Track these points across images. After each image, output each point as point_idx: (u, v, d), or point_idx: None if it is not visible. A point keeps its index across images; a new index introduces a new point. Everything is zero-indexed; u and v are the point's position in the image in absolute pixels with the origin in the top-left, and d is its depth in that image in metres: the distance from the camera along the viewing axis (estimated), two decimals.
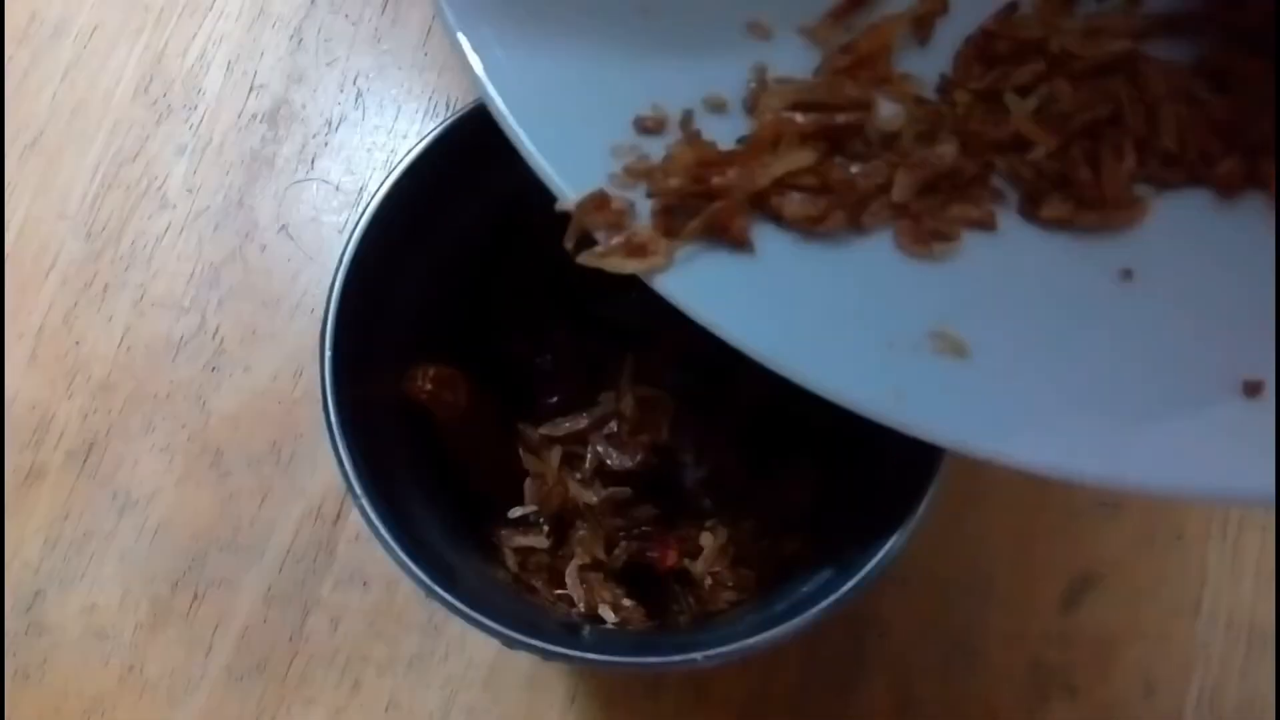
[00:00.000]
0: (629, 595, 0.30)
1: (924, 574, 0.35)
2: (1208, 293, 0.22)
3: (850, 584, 0.25)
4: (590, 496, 0.30)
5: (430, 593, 0.25)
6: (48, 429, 0.37)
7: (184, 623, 0.35)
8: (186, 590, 0.36)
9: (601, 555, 0.30)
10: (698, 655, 0.24)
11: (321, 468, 0.36)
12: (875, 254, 0.23)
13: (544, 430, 0.31)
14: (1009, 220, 0.23)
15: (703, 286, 0.22)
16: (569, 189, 0.23)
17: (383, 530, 0.25)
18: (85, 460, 0.37)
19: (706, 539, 0.30)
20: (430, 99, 0.41)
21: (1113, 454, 0.20)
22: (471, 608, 0.25)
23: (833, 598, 0.25)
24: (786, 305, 0.22)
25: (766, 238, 0.23)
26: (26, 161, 0.40)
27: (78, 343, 0.38)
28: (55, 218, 0.40)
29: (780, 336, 0.22)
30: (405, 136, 0.40)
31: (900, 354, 0.21)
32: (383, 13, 0.42)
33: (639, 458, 0.30)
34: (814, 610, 0.25)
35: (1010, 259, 0.22)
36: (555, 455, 0.30)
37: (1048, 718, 0.34)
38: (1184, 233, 0.22)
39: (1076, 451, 0.20)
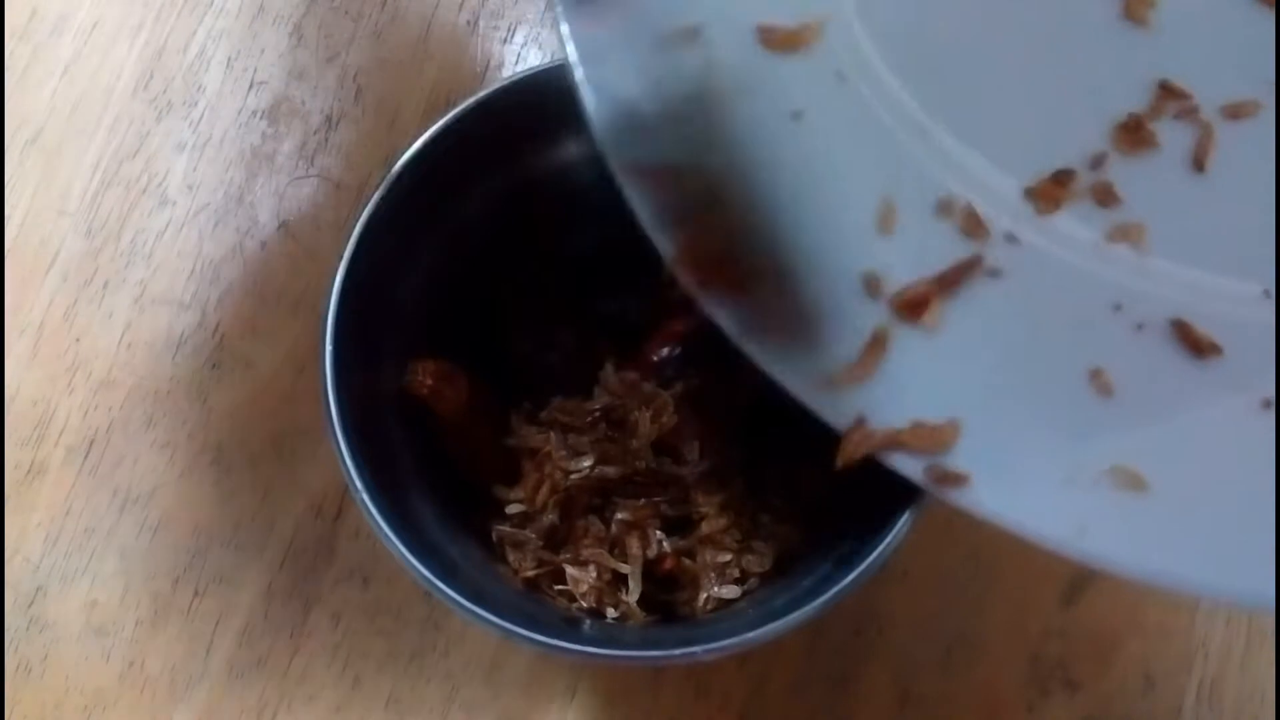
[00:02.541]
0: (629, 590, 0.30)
1: (924, 568, 0.35)
2: None
3: (850, 577, 0.25)
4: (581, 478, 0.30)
5: (431, 587, 0.25)
6: (48, 425, 0.37)
7: (185, 619, 0.35)
8: (187, 586, 0.36)
9: (603, 550, 0.30)
10: (698, 648, 0.25)
11: (322, 464, 0.36)
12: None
13: (543, 415, 0.31)
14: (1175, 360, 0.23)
15: None
16: None
17: (384, 526, 0.26)
18: (86, 456, 0.37)
19: (706, 534, 0.30)
20: (429, 95, 0.41)
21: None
22: (472, 602, 0.25)
23: (833, 591, 0.25)
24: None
25: None
26: (26, 158, 0.40)
27: (78, 339, 0.38)
28: (55, 214, 0.40)
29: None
30: (405, 133, 0.40)
31: (1081, 489, 0.22)
32: (383, 9, 0.42)
33: (636, 449, 0.30)
34: (814, 604, 0.25)
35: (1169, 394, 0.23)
36: (552, 441, 0.30)
37: (1048, 711, 0.34)
38: None
39: (1243, 576, 0.21)
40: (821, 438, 0.32)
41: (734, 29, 0.25)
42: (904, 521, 0.25)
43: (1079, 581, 0.35)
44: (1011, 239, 0.24)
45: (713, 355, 0.32)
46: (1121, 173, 0.23)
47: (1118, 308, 0.23)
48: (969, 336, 0.24)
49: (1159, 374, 0.23)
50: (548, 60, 0.30)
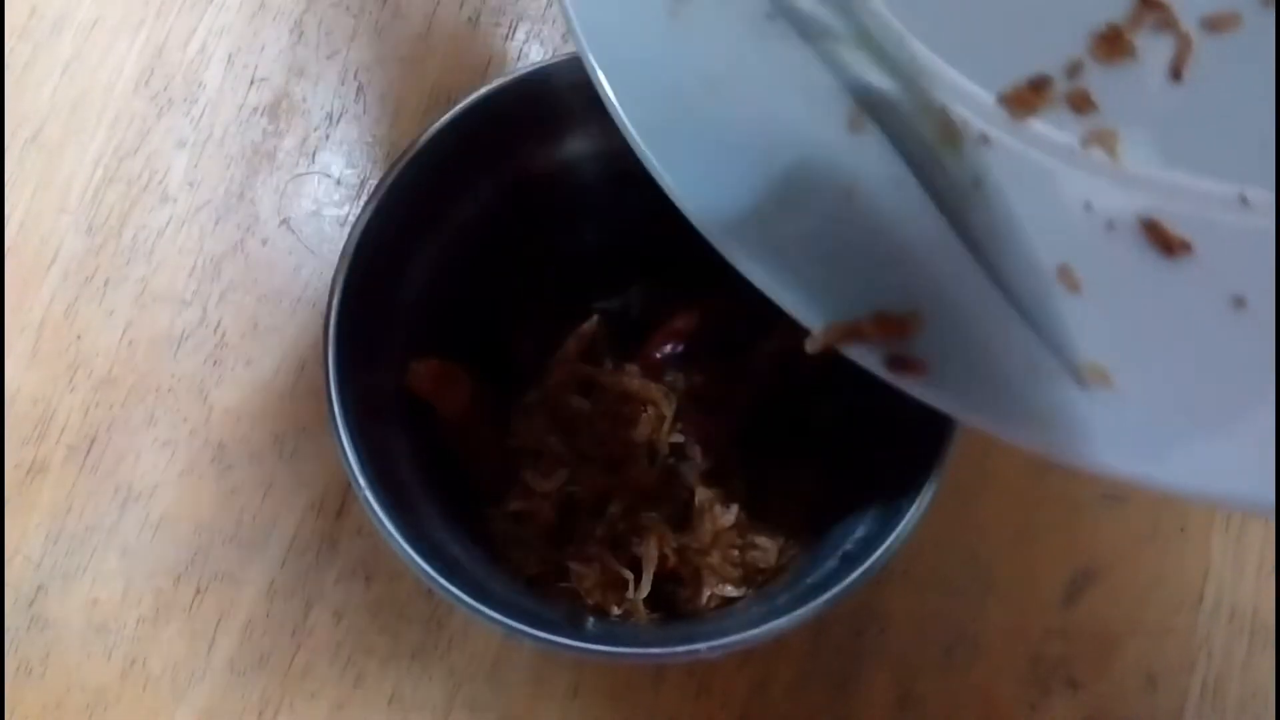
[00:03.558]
0: (632, 588, 0.30)
1: (925, 567, 0.35)
2: None
3: (852, 577, 0.25)
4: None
5: (433, 585, 0.25)
6: (49, 423, 0.37)
7: (186, 617, 0.35)
8: (189, 584, 0.36)
9: (605, 548, 0.30)
10: (700, 646, 0.25)
11: (324, 461, 0.36)
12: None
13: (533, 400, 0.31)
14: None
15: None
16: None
17: (386, 523, 0.25)
18: (87, 454, 0.37)
19: (708, 532, 0.30)
20: (431, 92, 0.41)
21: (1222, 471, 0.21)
22: (474, 599, 0.25)
23: (835, 590, 0.25)
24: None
25: None
26: (27, 156, 0.40)
27: (79, 337, 0.38)
28: (56, 212, 0.40)
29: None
30: (407, 130, 0.40)
31: (1045, 383, 0.22)
32: (384, 5, 0.42)
33: (637, 447, 0.30)
34: (816, 602, 0.25)
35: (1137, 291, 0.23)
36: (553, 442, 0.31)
37: (1049, 711, 0.34)
38: None
39: (1211, 474, 0.21)
40: (822, 438, 0.32)
41: None
42: (906, 521, 0.25)
43: (1080, 581, 0.35)
44: (984, 140, 0.24)
45: (714, 353, 0.32)
46: (1098, 81, 0.24)
47: (1088, 207, 0.23)
48: None
49: (1128, 271, 0.23)
50: (549, 56, 0.30)
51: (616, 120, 0.25)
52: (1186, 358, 0.22)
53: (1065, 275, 0.23)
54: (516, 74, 0.30)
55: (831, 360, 0.23)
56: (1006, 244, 0.23)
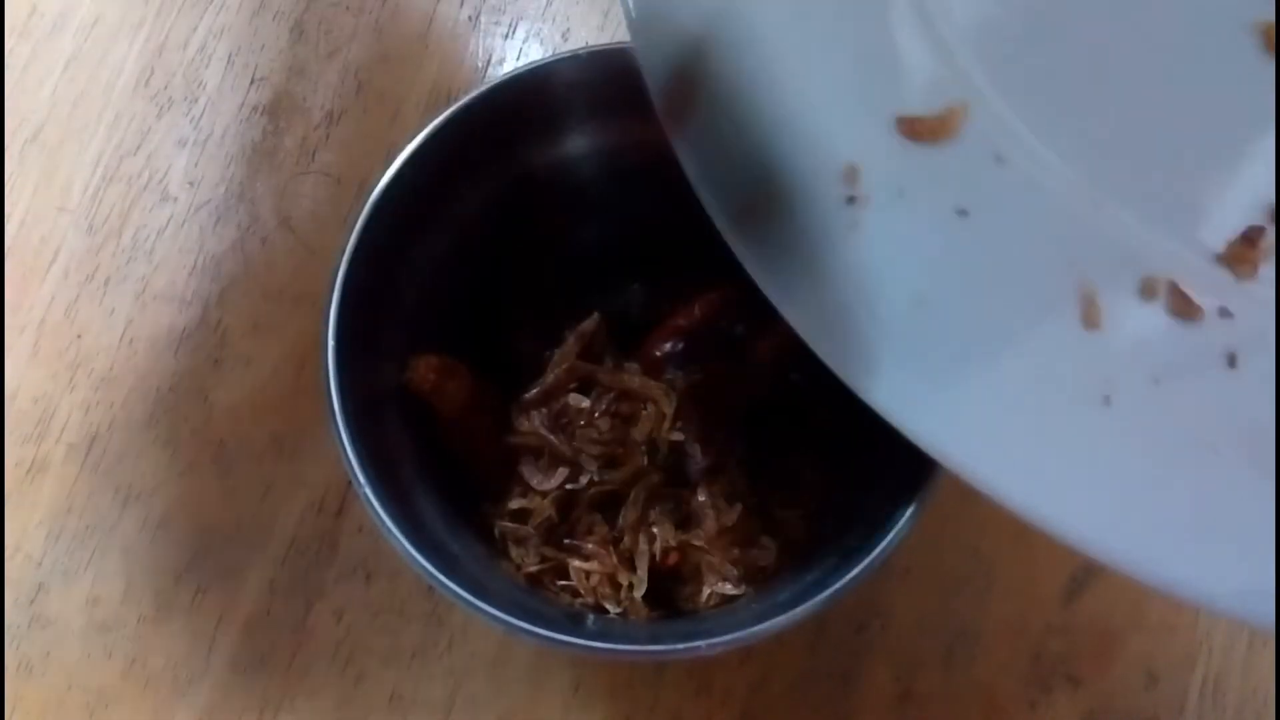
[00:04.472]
0: (632, 586, 0.30)
1: (926, 564, 0.35)
2: None
3: (852, 573, 0.25)
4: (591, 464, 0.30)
5: (434, 582, 0.25)
6: (50, 422, 0.37)
7: (187, 615, 0.35)
8: (189, 583, 0.36)
9: (605, 546, 0.30)
10: (701, 643, 0.24)
11: (324, 460, 0.36)
12: None
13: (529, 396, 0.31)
14: None
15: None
16: None
17: (386, 521, 0.25)
18: (88, 453, 0.37)
19: (709, 529, 0.30)
20: (431, 91, 0.41)
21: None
22: (475, 597, 0.25)
23: (835, 587, 0.25)
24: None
25: None
26: (27, 155, 0.40)
27: (80, 336, 0.38)
28: (56, 211, 0.40)
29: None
30: (406, 129, 0.40)
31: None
32: (384, 5, 0.42)
33: (637, 444, 0.30)
34: (816, 599, 0.25)
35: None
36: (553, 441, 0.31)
37: (1050, 708, 0.34)
38: None
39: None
40: (822, 435, 0.32)
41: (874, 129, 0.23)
42: (907, 518, 0.25)
43: (1081, 578, 0.35)
44: (1225, 314, 0.22)
45: (715, 351, 0.32)
46: None
47: None
48: None
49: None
50: (549, 55, 0.30)
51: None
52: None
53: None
54: (516, 73, 0.30)
55: None
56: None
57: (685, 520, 0.30)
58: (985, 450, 0.22)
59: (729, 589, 0.29)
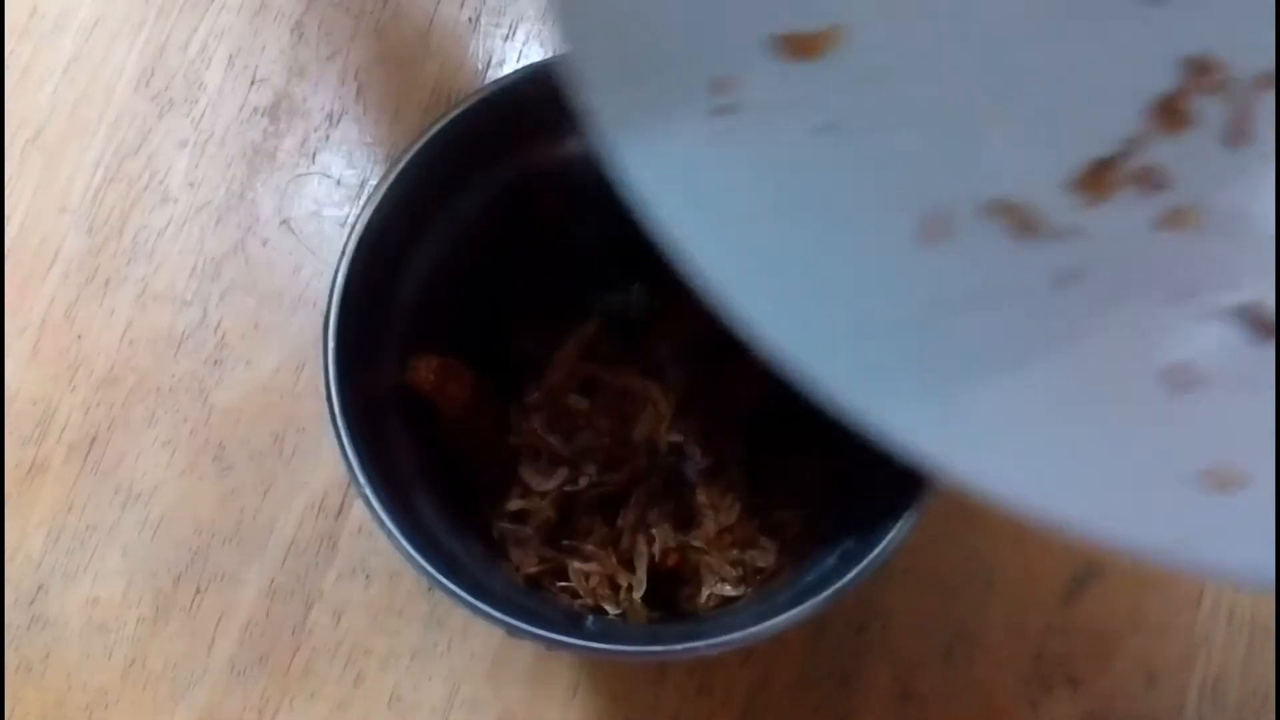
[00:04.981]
0: (631, 587, 0.30)
1: (926, 565, 0.35)
2: None
3: (852, 574, 0.25)
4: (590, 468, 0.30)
5: (434, 583, 0.25)
6: (50, 423, 0.37)
7: (186, 616, 0.35)
8: (189, 584, 0.36)
9: (605, 547, 0.30)
10: (700, 644, 0.25)
11: (324, 461, 0.36)
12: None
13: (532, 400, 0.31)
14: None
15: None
16: None
17: (386, 521, 0.25)
18: (88, 454, 0.37)
19: (708, 530, 0.30)
20: (431, 92, 0.41)
21: None
22: (475, 597, 0.25)
23: (835, 587, 0.25)
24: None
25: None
26: (28, 156, 0.40)
27: (80, 336, 0.38)
28: (57, 212, 0.40)
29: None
30: (407, 130, 0.40)
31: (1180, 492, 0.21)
32: (384, 6, 0.42)
33: (637, 445, 0.30)
34: (816, 600, 0.25)
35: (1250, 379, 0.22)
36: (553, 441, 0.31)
37: (1050, 708, 0.34)
38: None
39: None
40: (822, 435, 0.32)
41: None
42: (907, 519, 0.25)
43: (1080, 579, 0.35)
44: (1066, 236, 0.23)
45: (715, 352, 0.32)
46: (1162, 155, 0.23)
47: (1193, 293, 0.22)
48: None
49: (1239, 363, 0.22)
50: (549, 56, 0.30)
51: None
52: None
53: (1173, 375, 0.22)
54: (516, 74, 0.30)
55: None
56: (1107, 345, 0.22)
57: (685, 521, 0.30)
58: (805, 337, 0.23)
59: (728, 590, 0.29)
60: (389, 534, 0.25)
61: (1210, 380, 0.22)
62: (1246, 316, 0.22)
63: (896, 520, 0.25)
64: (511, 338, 0.33)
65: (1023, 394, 0.22)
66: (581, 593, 0.30)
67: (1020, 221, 0.23)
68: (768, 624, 0.25)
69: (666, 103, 0.24)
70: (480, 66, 0.41)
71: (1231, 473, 0.21)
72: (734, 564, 0.30)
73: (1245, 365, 0.22)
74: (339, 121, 0.41)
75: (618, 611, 0.29)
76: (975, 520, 0.35)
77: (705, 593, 0.29)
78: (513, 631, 0.25)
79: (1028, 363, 0.22)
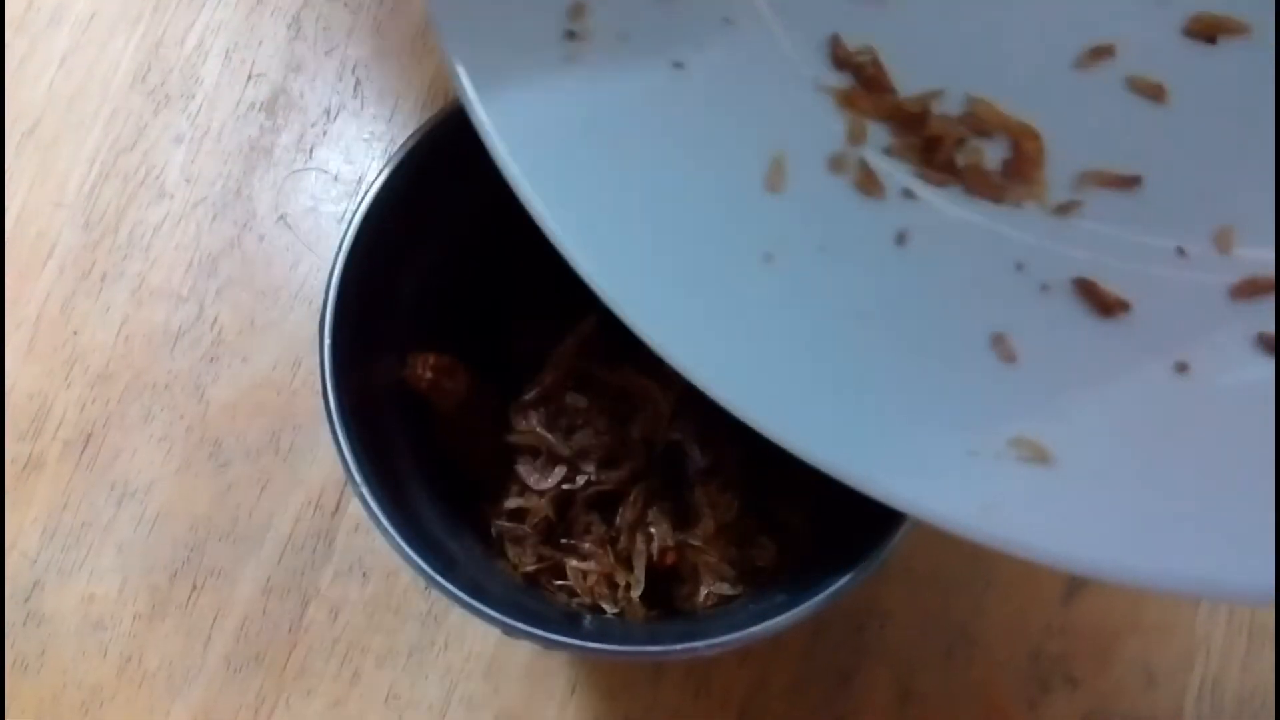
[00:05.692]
0: (629, 586, 0.30)
1: (925, 564, 0.35)
2: None
3: (851, 574, 0.25)
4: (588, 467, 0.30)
5: (431, 582, 0.25)
6: (45, 419, 0.37)
7: (182, 613, 0.35)
8: (185, 581, 0.35)
9: (603, 546, 0.30)
10: (699, 643, 0.24)
11: (321, 458, 0.36)
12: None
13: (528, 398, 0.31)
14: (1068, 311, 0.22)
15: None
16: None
17: (383, 520, 0.25)
18: (83, 450, 0.37)
19: (706, 528, 0.30)
20: (429, 88, 0.41)
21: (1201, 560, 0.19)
22: (472, 596, 0.25)
23: (834, 587, 0.25)
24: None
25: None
26: (23, 150, 0.40)
27: (75, 332, 0.38)
28: (53, 207, 0.40)
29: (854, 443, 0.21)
30: (404, 125, 0.40)
31: (985, 463, 0.20)
32: (381, 1, 0.42)
33: (635, 444, 0.30)
34: (815, 599, 0.25)
35: (1075, 358, 0.21)
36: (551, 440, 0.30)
37: (1049, 708, 0.34)
38: None
39: (1157, 554, 0.20)
40: None
41: None
42: (906, 519, 0.25)
43: (1079, 578, 0.35)
44: (909, 195, 0.23)
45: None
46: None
47: (1020, 268, 0.22)
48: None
49: (1066, 337, 0.21)
50: None
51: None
52: (1128, 427, 0.20)
53: (1001, 344, 0.21)
54: None
55: None
56: (935, 308, 0.22)
57: (683, 520, 0.30)
58: (636, 291, 0.22)
59: (726, 589, 0.29)
60: (385, 532, 0.25)
61: (1035, 354, 0.21)
62: (1079, 291, 0.22)
63: (897, 520, 0.25)
64: (510, 336, 0.33)
65: (849, 348, 0.22)
66: (579, 591, 0.29)
67: (863, 179, 0.23)
68: (766, 624, 0.24)
69: (521, 44, 0.24)
70: None
71: (1039, 447, 0.20)
72: (732, 563, 0.29)
73: (1074, 342, 0.21)
74: (336, 117, 0.40)
75: (616, 610, 0.29)
76: None
77: (704, 591, 0.29)
78: (510, 631, 0.24)
79: (868, 316, 0.22)
